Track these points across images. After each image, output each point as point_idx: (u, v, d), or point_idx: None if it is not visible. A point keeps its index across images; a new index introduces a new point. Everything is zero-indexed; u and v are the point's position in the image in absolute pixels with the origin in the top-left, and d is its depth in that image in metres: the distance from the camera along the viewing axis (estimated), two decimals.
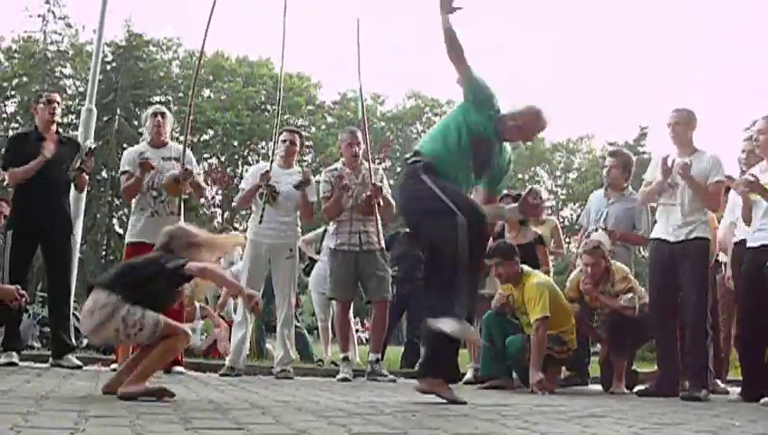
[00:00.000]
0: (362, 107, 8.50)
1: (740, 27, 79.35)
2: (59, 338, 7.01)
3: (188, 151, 7.22)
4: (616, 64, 77.70)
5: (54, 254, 7.11)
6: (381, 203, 7.31)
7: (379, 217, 7.40)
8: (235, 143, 49.14)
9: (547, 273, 7.47)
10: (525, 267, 6.79)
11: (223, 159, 48.95)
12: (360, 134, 7.60)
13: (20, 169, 6.86)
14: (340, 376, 7.12)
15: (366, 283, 7.39)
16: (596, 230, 7.45)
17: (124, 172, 7.06)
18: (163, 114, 7.28)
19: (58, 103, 7.27)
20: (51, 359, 6.98)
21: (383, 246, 7.47)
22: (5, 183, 7.12)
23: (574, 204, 52.54)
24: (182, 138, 7.43)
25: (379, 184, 7.31)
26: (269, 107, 48.07)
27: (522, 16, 78.49)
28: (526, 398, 5.59)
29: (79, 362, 6.94)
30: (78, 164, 7.08)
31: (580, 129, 76.34)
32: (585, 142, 56.61)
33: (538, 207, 5.66)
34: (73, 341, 7.43)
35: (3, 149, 7.25)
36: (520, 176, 53.28)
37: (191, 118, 7.36)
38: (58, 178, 6.98)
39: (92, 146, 7.50)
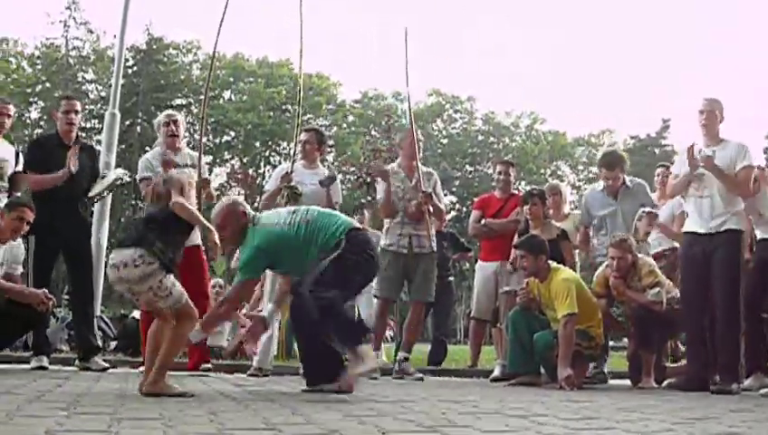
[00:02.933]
0: (411, 116, 8.46)
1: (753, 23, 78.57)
2: (84, 340, 7.06)
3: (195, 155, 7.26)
4: (637, 57, 77.50)
5: (76, 258, 7.16)
6: (432, 210, 7.33)
7: (430, 222, 7.43)
8: (257, 144, 49.30)
9: (572, 268, 7.43)
10: (552, 263, 6.76)
11: (245, 160, 49.10)
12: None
13: (42, 178, 6.90)
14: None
15: (412, 283, 7.46)
16: (640, 218, 7.39)
17: (143, 179, 7.03)
18: (175, 121, 7.26)
19: (76, 112, 7.28)
20: (78, 361, 7.02)
21: (434, 249, 7.49)
22: (20, 188, 7.15)
23: None
24: (200, 143, 7.40)
25: (429, 190, 7.33)
26: (290, 107, 48.15)
27: (543, 13, 78.18)
28: (555, 394, 5.56)
29: (106, 364, 6.97)
30: (99, 192, 7.10)
31: (602, 122, 76.27)
32: (607, 136, 56.35)
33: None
34: (100, 343, 7.48)
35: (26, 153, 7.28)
36: (542, 171, 53.16)
37: (206, 124, 7.31)
38: (77, 184, 6.99)
39: (126, 179, 7.43)
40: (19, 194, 7.10)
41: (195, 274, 6.99)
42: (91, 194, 7.09)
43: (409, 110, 8.60)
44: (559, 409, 4.16)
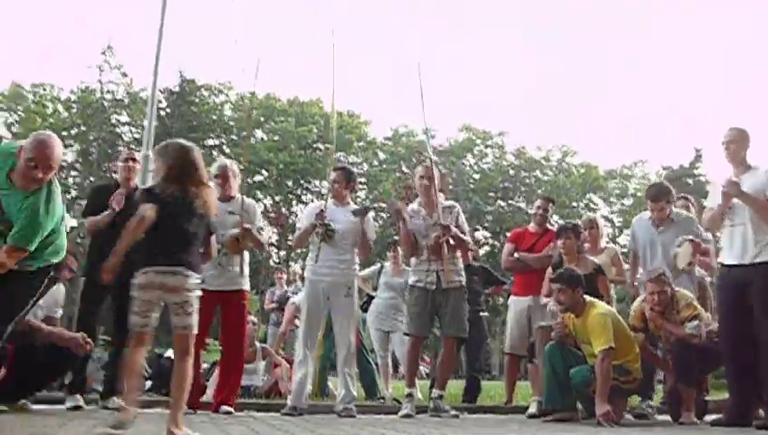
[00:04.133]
0: (430, 149, 8.47)
1: None
2: (112, 381, 7.13)
3: (254, 205, 7.32)
4: (668, 85, 77.19)
5: (124, 303, 7.20)
6: (452, 242, 7.29)
7: (456, 255, 7.40)
8: (289, 183, 49.53)
9: (609, 303, 7.35)
10: (588, 297, 6.70)
11: (278, 198, 49.34)
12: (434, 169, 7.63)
13: (92, 219, 7.03)
14: (402, 412, 7.07)
15: (442, 319, 7.39)
16: (683, 241, 7.32)
17: None
18: (224, 175, 7.29)
19: (134, 160, 7.43)
20: (99, 400, 7.10)
21: (463, 283, 7.44)
22: (79, 233, 7.27)
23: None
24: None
25: (447, 223, 7.30)
26: (321, 145, 48.41)
27: (569, 45, 78.35)
28: (593, 430, 5.49)
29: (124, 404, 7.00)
30: None
31: (634, 154, 75.84)
32: (639, 167, 56.02)
33: None
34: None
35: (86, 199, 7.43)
36: (575, 204, 52.90)
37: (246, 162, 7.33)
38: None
39: None
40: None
41: (236, 316, 7.02)
42: None
43: (428, 143, 8.59)
44: None
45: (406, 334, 7.79)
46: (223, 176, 7.26)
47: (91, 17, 69.99)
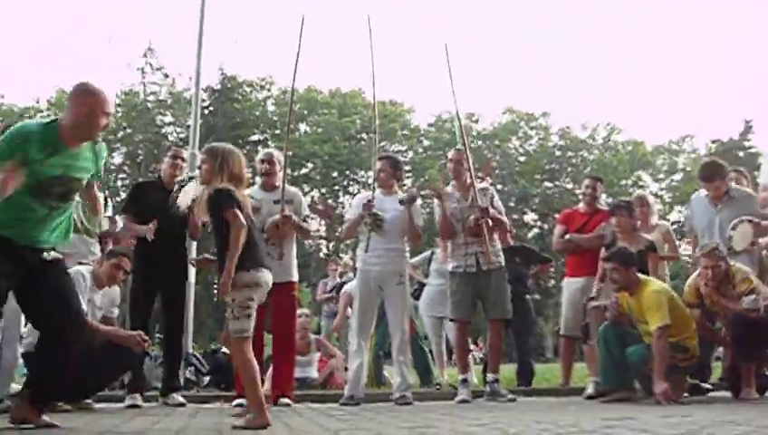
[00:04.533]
0: (461, 130, 8.41)
1: None
2: (169, 377, 7.25)
3: (299, 194, 7.35)
4: (714, 56, 75.93)
5: (173, 299, 7.34)
6: (491, 223, 7.27)
7: (495, 237, 7.39)
8: (335, 174, 49.68)
9: (661, 280, 7.27)
10: (642, 275, 6.64)
11: (323, 190, 49.52)
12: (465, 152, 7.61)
13: (130, 226, 7.18)
14: (458, 398, 7.08)
15: (485, 302, 7.38)
16: (739, 223, 7.22)
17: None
18: (271, 161, 7.32)
19: (183, 159, 7.51)
20: (159, 397, 7.24)
21: (502, 263, 7.42)
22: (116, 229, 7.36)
23: (681, 205, 51.18)
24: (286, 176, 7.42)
25: (485, 205, 7.28)
26: (365, 135, 48.46)
27: (611, 20, 77.15)
28: (652, 410, 5.44)
29: (183, 401, 7.12)
30: (187, 201, 7.19)
31: (682, 128, 74.75)
32: (687, 142, 55.19)
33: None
34: (194, 379, 7.63)
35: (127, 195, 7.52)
36: (623, 182, 52.34)
37: (289, 154, 7.32)
38: (177, 227, 7.17)
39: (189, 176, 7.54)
40: (110, 240, 7.33)
41: (286, 308, 7.08)
42: (182, 204, 7.20)
43: (460, 128, 8.54)
44: (659, 425, 4.06)
45: (451, 320, 7.80)
46: (270, 162, 7.30)
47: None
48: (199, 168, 5.02)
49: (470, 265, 7.33)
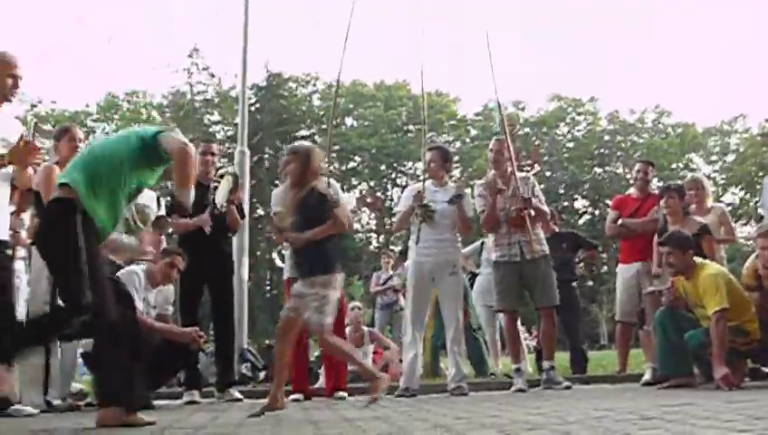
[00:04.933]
0: (503, 119, 8.36)
1: None
2: (223, 373, 7.31)
3: (335, 185, 7.35)
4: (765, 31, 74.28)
5: (220, 294, 7.41)
6: (533, 213, 7.24)
7: (537, 226, 7.35)
8: (383, 167, 49.75)
9: (718, 263, 7.15)
10: (698, 259, 6.54)
11: (372, 183, 49.62)
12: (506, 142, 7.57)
13: (180, 223, 7.22)
14: (515, 388, 7.06)
15: (532, 291, 7.35)
16: None
17: (276, 213, 7.19)
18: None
19: (213, 154, 7.58)
20: (215, 393, 7.32)
21: (547, 252, 7.38)
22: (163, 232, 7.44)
23: (735, 187, 50.37)
24: (331, 168, 7.44)
25: (528, 196, 7.24)
26: (411, 127, 48.43)
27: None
28: (713, 395, 5.36)
29: (240, 396, 7.18)
30: (223, 198, 7.26)
31: (734, 108, 73.39)
32: (740, 122, 54.19)
33: None
34: (249, 374, 7.70)
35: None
36: (674, 166, 51.65)
37: (334, 148, 7.33)
38: (219, 223, 7.25)
39: (231, 172, 7.59)
40: (163, 237, 7.41)
41: None
42: (219, 202, 7.27)
43: (501, 117, 8.47)
44: (719, 410, 3.99)
45: (497, 311, 7.78)
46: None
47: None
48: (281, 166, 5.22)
49: (514, 255, 7.30)
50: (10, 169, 5.54)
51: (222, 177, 7.26)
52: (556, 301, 7.36)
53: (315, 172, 4.97)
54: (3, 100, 5.57)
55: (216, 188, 7.24)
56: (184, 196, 4.63)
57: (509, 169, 7.44)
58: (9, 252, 5.84)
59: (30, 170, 5.69)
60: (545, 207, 7.61)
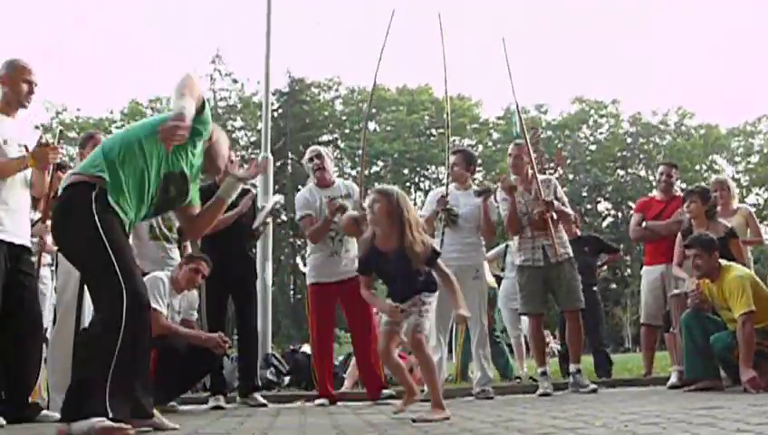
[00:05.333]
0: (521, 122, 8.33)
1: None
2: (247, 378, 7.33)
3: (355, 187, 7.35)
4: None
5: (244, 300, 7.44)
6: (555, 216, 7.22)
7: (560, 228, 7.33)
8: (406, 171, 49.78)
9: (744, 266, 7.10)
10: (723, 261, 6.50)
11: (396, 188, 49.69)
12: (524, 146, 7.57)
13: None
14: (540, 391, 7.03)
15: (557, 294, 7.34)
16: None
17: (303, 217, 7.20)
18: (318, 155, 7.32)
19: (231, 161, 7.61)
20: (238, 398, 7.33)
21: (571, 254, 7.35)
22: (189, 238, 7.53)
23: (759, 188, 50.00)
24: (354, 172, 7.41)
25: (549, 199, 7.22)
26: (434, 131, 48.46)
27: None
28: (740, 398, 5.32)
29: (264, 401, 7.18)
30: (267, 222, 7.33)
31: (758, 108, 72.79)
32: (764, 123, 53.74)
33: None
34: (274, 379, 7.73)
35: None
36: (697, 167, 51.36)
37: (365, 150, 7.34)
38: (243, 227, 7.29)
39: (282, 202, 7.65)
40: (188, 243, 7.47)
41: (360, 302, 7.10)
42: (255, 225, 7.33)
43: (520, 120, 8.45)
44: (748, 413, 3.96)
45: (521, 314, 7.76)
46: (318, 157, 7.31)
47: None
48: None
49: (537, 259, 7.28)
50: (29, 174, 5.62)
51: (248, 190, 7.31)
52: (581, 304, 7.33)
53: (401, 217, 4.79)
54: (19, 106, 5.65)
55: (262, 208, 7.34)
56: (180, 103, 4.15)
57: (530, 173, 7.42)
58: (33, 259, 5.90)
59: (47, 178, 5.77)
60: (569, 210, 7.60)
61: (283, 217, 40.74)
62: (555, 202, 7.31)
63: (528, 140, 7.69)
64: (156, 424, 4.28)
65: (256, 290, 7.73)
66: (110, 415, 3.48)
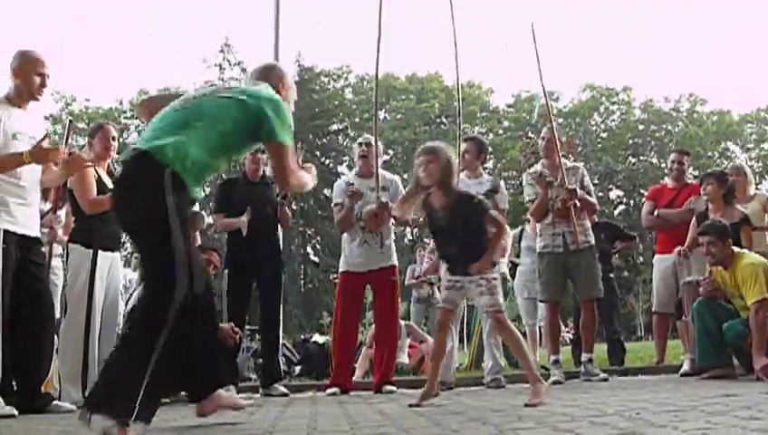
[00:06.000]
0: (548, 110, 8.29)
1: None
2: (270, 368, 7.33)
3: (397, 181, 7.34)
4: None
5: (268, 289, 7.43)
6: (578, 204, 7.18)
7: (583, 216, 7.29)
8: None
9: (762, 253, 7.04)
10: (736, 248, 6.46)
11: (406, 176, 49.63)
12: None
13: (224, 222, 7.41)
14: (552, 380, 7.01)
15: (576, 281, 7.31)
16: None
17: (336, 204, 7.23)
18: (369, 144, 7.31)
19: (262, 152, 7.62)
20: (260, 389, 7.34)
21: (592, 243, 7.32)
22: (214, 228, 7.55)
23: None
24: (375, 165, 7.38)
25: (573, 186, 7.19)
26: (444, 119, 48.36)
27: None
28: (753, 386, 5.29)
29: (286, 390, 7.20)
30: (280, 197, 7.35)
31: None
32: None
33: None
34: (285, 368, 7.75)
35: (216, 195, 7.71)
36: (710, 154, 51.11)
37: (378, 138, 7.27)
38: (267, 217, 7.30)
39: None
40: (197, 233, 7.49)
41: (388, 293, 7.11)
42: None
43: (547, 107, 8.40)
44: (761, 401, 3.94)
45: (541, 301, 7.74)
46: (368, 145, 7.31)
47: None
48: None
49: (557, 246, 7.26)
50: (38, 166, 5.63)
51: (285, 198, 7.36)
52: (600, 293, 7.30)
53: (454, 174, 4.91)
54: (30, 98, 5.67)
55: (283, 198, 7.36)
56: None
57: (556, 160, 7.39)
58: (44, 249, 5.91)
59: (54, 168, 5.78)
60: (593, 199, 7.54)
61: (293, 207, 40.79)
62: (579, 191, 7.27)
63: (554, 127, 7.63)
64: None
65: (281, 280, 7.69)
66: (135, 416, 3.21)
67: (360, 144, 7.39)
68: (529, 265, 9.16)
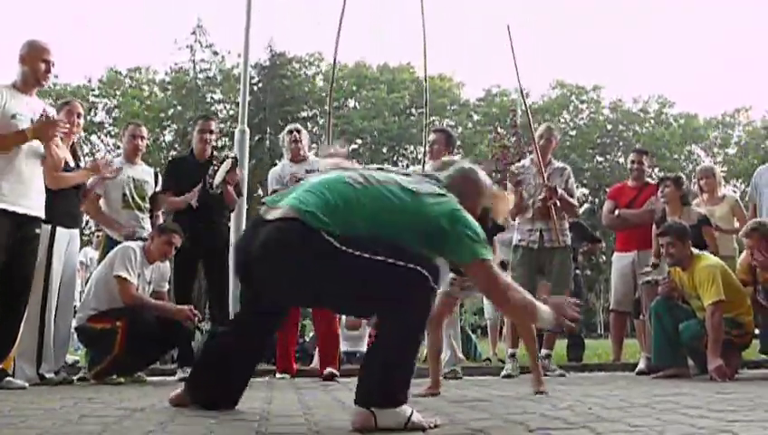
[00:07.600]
0: (528, 113, 8.34)
1: None
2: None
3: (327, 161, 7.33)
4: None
5: (216, 271, 7.40)
6: (558, 204, 7.22)
7: (562, 216, 7.33)
8: (384, 150, 49.66)
9: (715, 254, 7.13)
10: (695, 250, 6.53)
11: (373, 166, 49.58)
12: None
13: (171, 200, 7.35)
14: (504, 373, 7.07)
15: (546, 278, 7.34)
16: None
17: (273, 191, 7.19)
18: (298, 131, 7.56)
19: (211, 132, 7.58)
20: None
21: (568, 243, 7.37)
22: (160, 208, 7.49)
23: (737, 180, 50.29)
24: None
25: (553, 185, 7.23)
26: (414, 111, 48.32)
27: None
28: (706, 386, 5.35)
29: None
30: (220, 179, 7.25)
31: (737, 100, 73.10)
32: (743, 114, 53.97)
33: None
34: None
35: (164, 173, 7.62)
36: (676, 156, 51.57)
37: (332, 134, 7.35)
38: (215, 200, 7.25)
39: (231, 156, 7.62)
40: (160, 213, 7.43)
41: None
42: (216, 183, 7.25)
43: (526, 107, 8.43)
44: (712, 401, 3.99)
45: None
46: (297, 131, 7.54)
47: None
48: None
49: (533, 241, 7.32)
50: (40, 147, 5.62)
51: (223, 161, 7.30)
52: (567, 290, 7.34)
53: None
54: (36, 84, 5.77)
55: (216, 170, 7.25)
56: None
57: (535, 159, 7.46)
58: (38, 230, 5.82)
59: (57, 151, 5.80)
60: (573, 200, 7.58)
61: (260, 192, 40.58)
62: (561, 191, 7.30)
63: (531, 125, 7.70)
64: None
65: (229, 263, 7.66)
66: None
67: (291, 132, 7.56)
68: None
